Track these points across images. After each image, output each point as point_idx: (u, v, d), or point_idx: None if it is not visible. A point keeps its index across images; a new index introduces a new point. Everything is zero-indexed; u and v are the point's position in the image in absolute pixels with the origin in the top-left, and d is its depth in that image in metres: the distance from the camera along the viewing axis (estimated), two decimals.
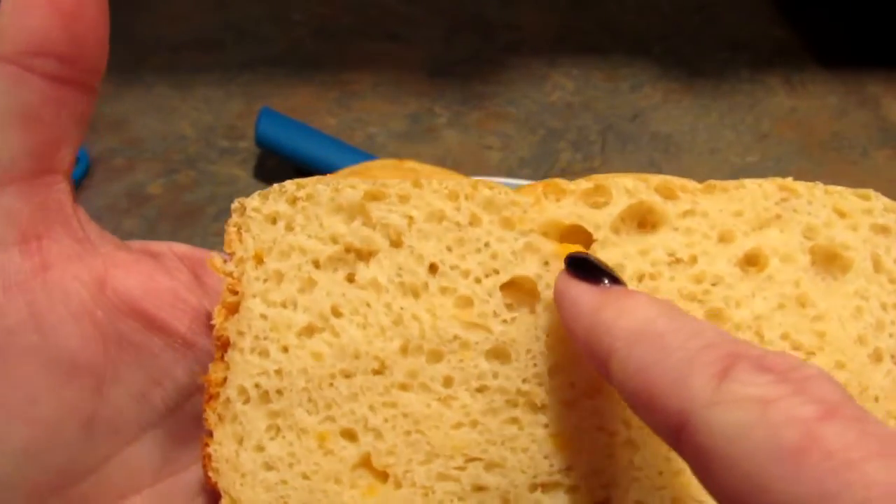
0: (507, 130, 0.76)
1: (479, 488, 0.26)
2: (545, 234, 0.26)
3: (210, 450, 0.26)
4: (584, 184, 0.26)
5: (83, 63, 0.24)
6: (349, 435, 0.26)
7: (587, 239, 0.26)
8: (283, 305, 0.27)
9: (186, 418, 0.27)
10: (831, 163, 0.75)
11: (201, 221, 0.66)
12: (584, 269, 0.24)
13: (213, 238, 0.65)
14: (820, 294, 0.26)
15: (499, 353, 0.26)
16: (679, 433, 0.19)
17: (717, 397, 0.18)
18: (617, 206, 0.26)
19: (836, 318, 0.26)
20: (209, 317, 0.27)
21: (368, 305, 0.26)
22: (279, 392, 0.26)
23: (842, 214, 0.27)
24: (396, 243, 0.26)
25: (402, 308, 0.26)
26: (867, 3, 0.91)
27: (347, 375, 0.26)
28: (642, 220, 0.27)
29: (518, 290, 0.26)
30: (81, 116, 0.25)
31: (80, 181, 0.68)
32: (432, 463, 0.26)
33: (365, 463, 0.26)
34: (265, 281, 0.27)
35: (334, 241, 0.27)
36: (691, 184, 0.26)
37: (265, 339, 0.26)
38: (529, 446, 0.26)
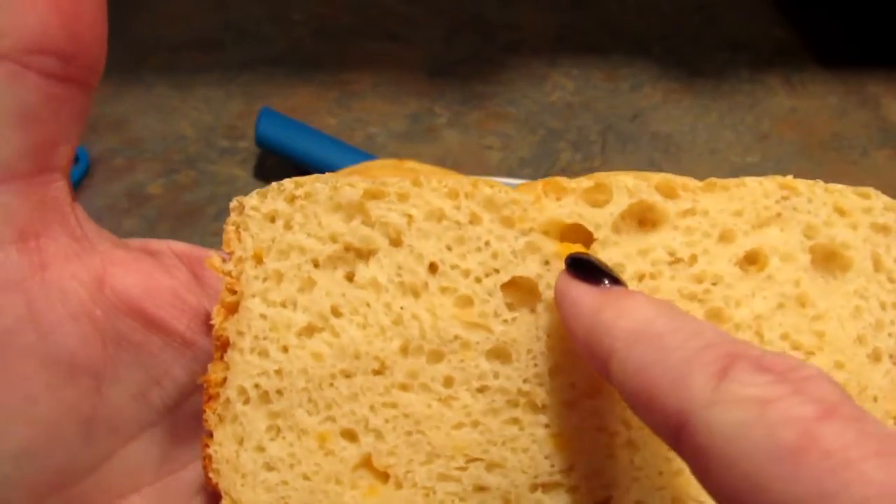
0: (508, 130, 0.76)
1: (480, 488, 0.26)
2: (546, 232, 0.26)
3: (210, 451, 0.26)
4: (584, 182, 0.26)
5: (82, 61, 0.24)
6: (350, 435, 0.26)
7: (588, 237, 0.26)
8: (283, 305, 0.26)
9: (185, 417, 0.27)
10: (831, 163, 0.75)
11: (201, 221, 0.66)
12: (585, 269, 0.24)
13: (213, 238, 0.65)
14: (820, 293, 0.26)
15: (499, 353, 0.26)
16: (678, 433, 0.19)
17: (716, 397, 0.18)
18: (618, 205, 0.26)
19: (835, 318, 0.26)
20: (208, 316, 0.27)
21: (368, 305, 0.26)
22: (279, 392, 0.26)
23: (842, 213, 0.27)
24: (396, 242, 0.26)
25: (402, 308, 0.26)
26: (867, 3, 0.91)
27: (348, 375, 0.26)
28: (643, 218, 0.26)
29: (519, 290, 0.26)
30: (80, 115, 0.25)
31: (79, 181, 0.68)
32: (433, 463, 0.26)
33: (366, 463, 0.26)
34: (264, 280, 0.27)
35: (333, 240, 0.26)
36: (692, 182, 0.26)
37: (265, 339, 0.26)
38: (530, 446, 0.26)
